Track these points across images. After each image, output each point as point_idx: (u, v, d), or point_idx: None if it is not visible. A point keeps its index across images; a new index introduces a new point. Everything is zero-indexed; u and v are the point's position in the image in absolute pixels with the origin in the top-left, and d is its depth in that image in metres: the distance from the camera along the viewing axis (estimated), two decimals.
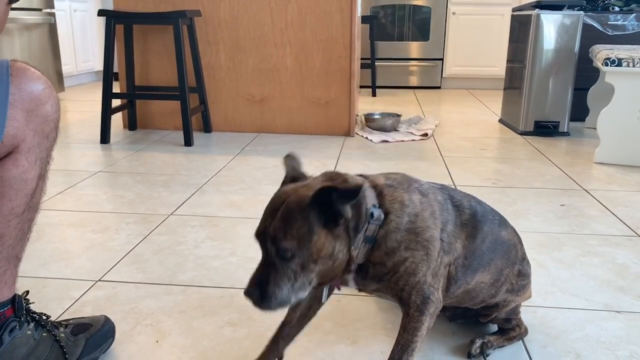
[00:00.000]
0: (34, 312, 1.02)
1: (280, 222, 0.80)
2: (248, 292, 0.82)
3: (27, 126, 0.92)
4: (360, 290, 0.97)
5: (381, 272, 0.91)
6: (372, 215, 0.87)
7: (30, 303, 1.03)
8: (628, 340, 1.16)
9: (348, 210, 0.83)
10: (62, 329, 1.04)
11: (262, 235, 0.83)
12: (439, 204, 0.96)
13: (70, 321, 1.09)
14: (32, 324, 1.00)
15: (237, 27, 3.08)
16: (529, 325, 1.19)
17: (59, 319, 1.13)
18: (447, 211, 0.97)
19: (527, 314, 1.23)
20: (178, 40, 2.77)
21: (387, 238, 0.89)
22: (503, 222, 1.08)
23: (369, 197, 0.89)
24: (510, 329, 1.15)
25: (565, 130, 3.21)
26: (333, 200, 0.80)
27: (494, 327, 1.19)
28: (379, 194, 0.91)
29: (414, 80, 5.32)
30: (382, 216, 0.88)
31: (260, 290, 0.81)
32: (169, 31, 3.06)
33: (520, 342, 1.15)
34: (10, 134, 0.88)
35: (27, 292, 1.04)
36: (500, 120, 3.61)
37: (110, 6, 4.73)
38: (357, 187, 0.80)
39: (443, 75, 5.27)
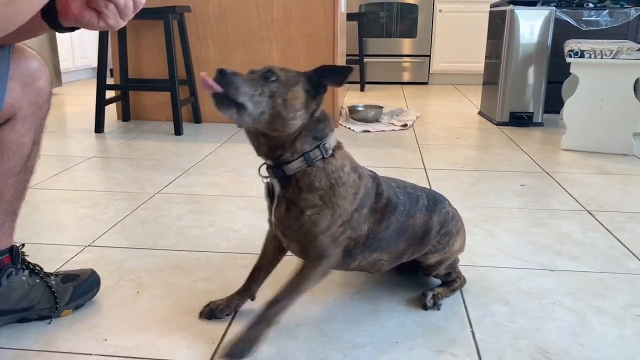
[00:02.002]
0: (29, 262, 1.17)
1: (279, 66, 1.02)
2: (220, 69, 0.96)
3: (24, 97, 1.07)
4: (276, 227, 1.12)
5: (294, 200, 1.06)
6: (324, 144, 1.05)
7: (26, 255, 1.18)
8: (555, 292, 1.31)
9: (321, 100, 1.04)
10: (53, 277, 1.20)
11: (263, 67, 1.01)
12: (365, 189, 1.12)
13: (60, 272, 1.24)
14: (26, 271, 1.15)
15: (226, 22, 3.23)
16: (469, 281, 1.34)
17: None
18: (369, 197, 1.13)
19: (470, 272, 1.38)
20: (168, 35, 2.93)
21: (318, 172, 1.05)
22: (413, 207, 1.20)
23: (332, 137, 1.08)
24: (452, 281, 1.31)
25: (540, 121, 3.36)
26: (326, 72, 1.01)
27: (436, 280, 1.34)
28: (339, 146, 1.10)
29: (402, 76, 5.47)
30: (330, 153, 1.06)
31: (230, 75, 0.95)
32: (160, 26, 3.21)
33: (459, 292, 1.31)
34: (9, 104, 1.03)
35: (23, 244, 1.19)
36: (480, 113, 3.76)
37: None
38: (348, 68, 1.01)
39: (430, 71, 5.42)
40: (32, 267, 1.17)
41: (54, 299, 1.16)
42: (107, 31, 3.02)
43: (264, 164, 1.11)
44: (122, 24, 0.97)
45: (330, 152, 1.07)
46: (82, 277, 1.24)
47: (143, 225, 1.71)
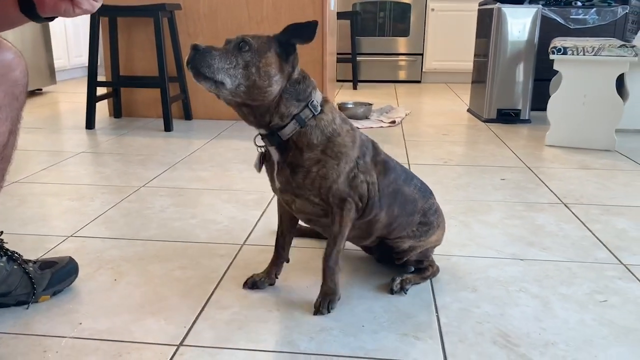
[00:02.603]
0: (7, 249, 1.21)
1: (252, 34, 1.06)
2: (194, 45, 1.02)
3: None
4: (282, 192, 1.17)
5: (297, 162, 1.11)
6: (312, 102, 1.10)
7: (4, 242, 1.21)
8: (522, 279, 1.35)
9: (296, 58, 1.09)
10: (31, 264, 1.23)
11: (236, 37, 1.05)
12: (361, 140, 1.18)
13: (39, 260, 1.27)
14: (4, 258, 1.18)
15: (216, 20, 3.26)
16: (440, 270, 1.37)
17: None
18: (367, 147, 1.19)
19: (442, 261, 1.41)
20: (158, 32, 2.96)
21: (313, 130, 1.09)
22: (408, 180, 1.27)
23: (317, 94, 1.12)
24: (424, 269, 1.34)
25: (527, 118, 3.39)
26: (293, 30, 1.05)
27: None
28: (325, 100, 1.14)
29: (395, 75, 5.50)
30: (319, 109, 1.11)
31: (204, 52, 1.01)
32: (151, 24, 3.24)
33: (428, 280, 1.34)
34: None
35: (2, 232, 1.22)
36: (468, 110, 3.79)
37: None
38: (314, 22, 1.04)
39: (423, 70, 5.46)
40: (10, 253, 1.20)
41: (32, 285, 1.20)
42: (98, 29, 3.06)
43: (258, 134, 1.15)
44: (97, 5, 1.02)
45: (319, 108, 1.11)
46: (60, 264, 1.27)
47: (126, 217, 1.75)
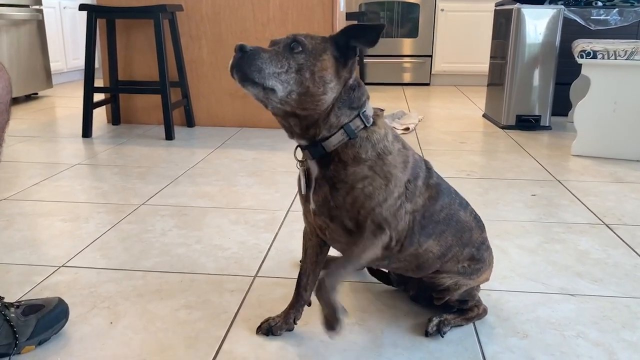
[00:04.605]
0: None
1: (304, 33, 0.92)
2: (240, 46, 0.87)
3: None
4: (317, 214, 1.00)
5: (339, 176, 0.95)
6: (364, 111, 0.95)
7: None
8: (577, 321, 1.17)
9: (354, 63, 0.93)
10: (12, 310, 1.06)
11: (286, 37, 0.91)
12: (414, 160, 1.02)
13: (23, 302, 1.10)
14: None
15: (219, 21, 3.09)
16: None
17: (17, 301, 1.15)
18: (420, 169, 1.03)
19: (482, 297, 1.24)
20: (159, 35, 2.79)
21: (363, 143, 0.94)
22: (464, 205, 1.12)
23: (369, 105, 0.97)
24: (468, 309, 1.17)
25: (547, 124, 3.22)
26: (354, 31, 0.90)
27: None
28: (377, 114, 0.99)
29: (403, 77, 5.33)
30: (371, 120, 0.96)
31: (252, 54, 0.87)
32: (151, 26, 3.07)
33: (472, 323, 1.17)
34: None
35: None
36: (484, 115, 3.62)
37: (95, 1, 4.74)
38: (380, 25, 0.90)
39: (432, 72, 5.28)
40: None
41: (14, 334, 1.03)
42: (95, 31, 2.89)
43: (298, 146, 1.00)
44: None
45: (372, 120, 0.96)
46: (47, 307, 1.10)
47: (124, 241, 1.58)
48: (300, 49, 0.88)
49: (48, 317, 1.09)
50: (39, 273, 1.38)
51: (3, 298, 1.07)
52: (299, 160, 1.01)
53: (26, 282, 1.33)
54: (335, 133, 0.93)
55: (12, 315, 1.04)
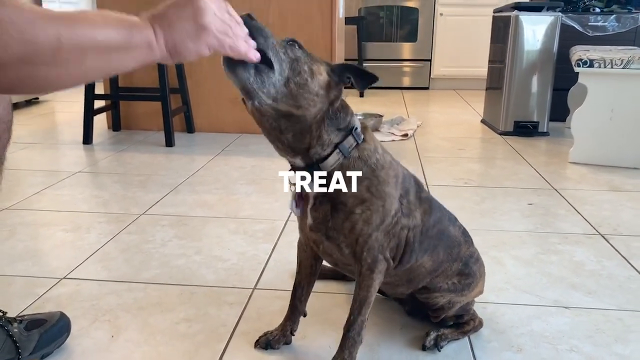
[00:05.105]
0: None
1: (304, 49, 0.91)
2: (249, 13, 0.83)
3: None
4: (313, 230, 1.00)
5: (340, 198, 0.95)
6: (355, 128, 0.96)
7: None
8: (571, 335, 1.19)
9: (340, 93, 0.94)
10: (15, 325, 1.07)
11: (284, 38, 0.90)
12: (404, 175, 1.03)
13: (25, 317, 1.12)
14: None
15: None
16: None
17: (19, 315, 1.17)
18: (410, 183, 1.04)
19: (477, 310, 1.25)
20: None
21: (356, 162, 0.95)
22: (452, 220, 1.14)
23: (356, 120, 0.98)
24: (464, 323, 1.19)
25: (545, 130, 3.24)
26: (352, 69, 0.92)
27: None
28: (364, 128, 1.00)
29: (402, 81, 5.35)
30: (362, 136, 0.97)
31: (259, 25, 0.83)
32: None
33: (467, 337, 1.19)
34: None
35: None
36: (482, 121, 3.64)
37: (95, 8, 4.75)
38: (374, 76, 0.92)
39: (431, 76, 5.30)
40: None
41: (16, 349, 1.04)
42: None
43: (290, 170, 0.99)
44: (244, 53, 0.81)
45: (362, 136, 0.97)
46: (49, 322, 1.12)
47: (125, 252, 1.59)
48: (297, 46, 0.89)
49: (50, 331, 1.11)
50: (41, 285, 1.40)
51: (6, 313, 1.09)
52: (291, 184, 1.00)
53: (29, 295, 1.35)
54: (331, 153, 0.94)
55: (15, 330, 1.06)
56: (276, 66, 0.84)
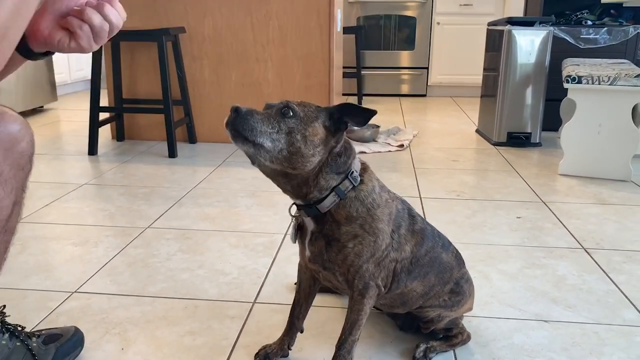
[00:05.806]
0: (9, 324, 1.14)
1: (299, 101, 1.01)
2: (235, 108, 0.94)
3: (5, 162, 1.03)
4: (311, 261, 1.10)
5: (333, 234, 1.04)
6: (352, 173, 1.03)
7: (6, 316, 1.15)
8: (549, 348, 1.28)
9: (342, 138, 1.02)
10: (34, 339, 1.17)
11: (280, 102, 0.99)
12: (397, 211, 1.12)
13: (43, 331, 1.21)
14: (7, 335, 1.12)
15: (221, 43, 3.20)
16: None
17: (35, 329, 1.26)
18: (403, 218, 1.12)
19: (465, 323, 1.34)
20: (162, 56, 2.90)
21: (353, 202, 1.03)
22: (446, 247, 1.22)
23: (356, 162, 1.06)
24: (453, 336, 1.28)
25: (537, 141, 3.33)
26: (349, 109, 0.99)
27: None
28: (364, 168, 1.08)
29: (400, 89, 5.44)
30: (358, 179, 1.04)
31: (245, 114, 0.94)
32: (155, 46, 3.18)
33: (454, 349, 1.28)
34: None
35: (4, 305, 1.16)
36: (477, 131, 3.73)
37: None
38: (372, 110, 0.99)
39: (428, 84, 5.39)
40: (12, 329, 1.14)
41: None
42: (101, 51, 3.00)
43: (293, 204, 1.09)
44: (95, 47, 0.92)
45: (359, 179, 1.05)
46: (65, 336, 1.21)
47: (131, 267, 1.68)
48: (292, 114, 0.96)
49: (66, 345, 1.20)
50: (53, 299, 1.49)
51: (24, 328, 1.18)
52: (292, 216, 1.10)
53: (42, 308, 1.44)
54: (327, 195, 1.02)
55: (34, 344, 1.15)
56: (268, 144, 0.94)
